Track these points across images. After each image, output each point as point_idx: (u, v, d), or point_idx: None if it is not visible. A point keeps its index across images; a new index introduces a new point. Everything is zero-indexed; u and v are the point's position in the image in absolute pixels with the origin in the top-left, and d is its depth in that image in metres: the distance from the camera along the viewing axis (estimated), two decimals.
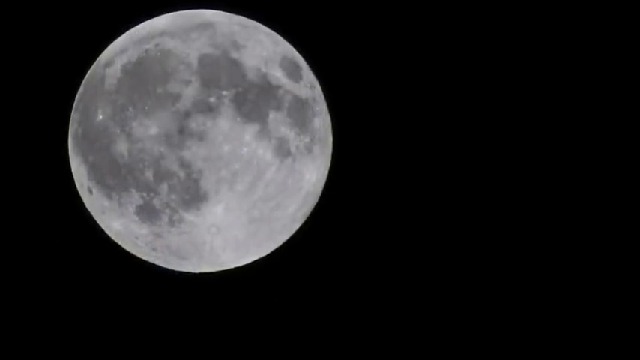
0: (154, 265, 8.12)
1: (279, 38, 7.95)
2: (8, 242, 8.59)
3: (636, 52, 8.84)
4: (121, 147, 7.38)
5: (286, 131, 7.51)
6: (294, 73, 7.73)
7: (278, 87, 7.54)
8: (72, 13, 8.66)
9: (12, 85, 8.65)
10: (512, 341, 8.79)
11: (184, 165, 7.30)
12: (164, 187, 7.37)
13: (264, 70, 7.51)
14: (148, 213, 7.49)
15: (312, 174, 7.82)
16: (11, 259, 8.60)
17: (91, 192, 7.70)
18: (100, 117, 7.51)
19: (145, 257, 8.06)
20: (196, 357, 8.66)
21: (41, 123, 8.51)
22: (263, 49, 7.65)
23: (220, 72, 7.39)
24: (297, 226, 8.12)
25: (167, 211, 7.44)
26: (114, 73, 7.57)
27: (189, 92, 7.30)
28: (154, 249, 7.81)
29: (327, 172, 8.14)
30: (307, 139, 7.70)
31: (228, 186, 7.36)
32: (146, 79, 7.38)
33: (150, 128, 7.30)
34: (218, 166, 7.30)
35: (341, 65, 8.75)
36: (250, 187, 7.42)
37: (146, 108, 7.32)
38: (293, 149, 7.58)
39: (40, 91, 8.60)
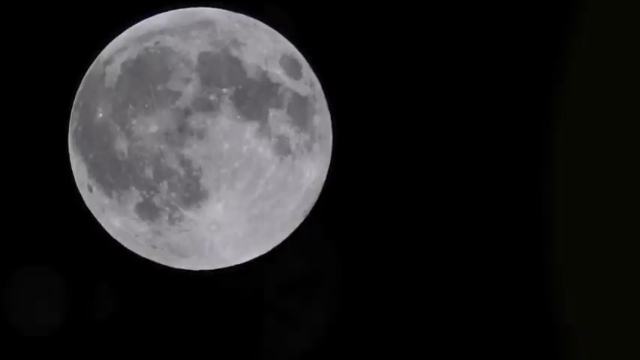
0: (154, 262, 8.12)
1: (279, 36, 7.95)
2: (8, 241, 8.60)
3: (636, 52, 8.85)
4: (121, 145, 7.38)
5: (286, 129, 7.51)
6: (294, 71, 7.73)
7: (278, 85, 7.54)
8: (72, 12, 8.66)
9: (12, 83, 8.65)
10: (511, 340, 8.80)
11: (184, 163, 7.30)
12: (164, 185, 7.37)
13: (264, 67, 7.51)
14: (148, 211, 7.49)
15: (312, 171, 7.82)
16: (12, 258, 8.60)
17: (91, 190, 7.70)
18: (100, 115, 7.51)
19: (144, 255, 8.06)
20: (196, 354, 8.66)
21: (41, 121, 8.51)
22: (263, 46, 7.65)
23: (220, 70, 7.39)
24: (297, 223, 8.12)
25: (167, 208, 7.44)
26: (114, 70, 7.57)
27: (190, 90, 7.30)
28: (154, 247, 7.81)
29: (327, 170, 8.14)
30: (307, 137, 7.70)
31: (228, 184, 7.36)
32: (146, 76, 7.38)
33: (150, 126, 7.30)
34: (218, 163, 7.30)
35: (341, 63, 8.75)
36: (250, 185, 7.42)
37: (146, 106, 7.31)
38: (293, 147, 7.57)
39: (41, 89, 8.61)
